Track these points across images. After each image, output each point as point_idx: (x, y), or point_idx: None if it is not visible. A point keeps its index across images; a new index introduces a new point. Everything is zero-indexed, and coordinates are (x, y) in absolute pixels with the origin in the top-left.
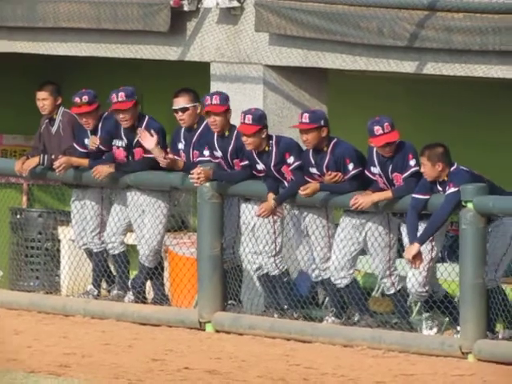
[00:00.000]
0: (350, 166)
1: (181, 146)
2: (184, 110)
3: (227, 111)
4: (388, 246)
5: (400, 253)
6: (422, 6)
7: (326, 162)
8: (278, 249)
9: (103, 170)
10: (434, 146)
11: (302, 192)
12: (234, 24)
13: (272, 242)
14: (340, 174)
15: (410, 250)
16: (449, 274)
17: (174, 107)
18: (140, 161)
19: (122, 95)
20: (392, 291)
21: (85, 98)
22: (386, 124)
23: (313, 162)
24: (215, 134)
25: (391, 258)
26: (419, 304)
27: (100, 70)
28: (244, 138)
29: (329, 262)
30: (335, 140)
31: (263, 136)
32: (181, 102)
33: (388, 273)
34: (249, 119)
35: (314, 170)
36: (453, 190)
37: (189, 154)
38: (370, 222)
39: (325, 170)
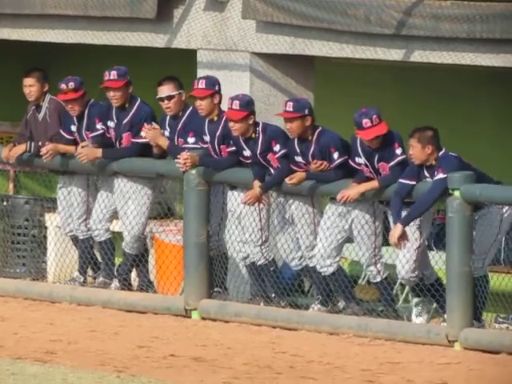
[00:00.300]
0: (335, 155)
1: (166, 133)
2: (170, 97)
3: (213, 95)
4: (374, 234)
5: (387, 240)
6: None
7: (312, 150)
8: (264, 238)
9: (89, 153)
10: (424, 129)
11: (288, 181)
12: (220, 11)
13: (258, 230)
14: (326, 162)
15: (394, 231)
16: (436, 263)
17: (159, 96)
18: (128, 147)
19: (114, 73)
20: (378, 279)
21: (71, 85)
22: (374, 116)
23: (298, 150)
24: (206, 119)
25: (377, 246)
26: (406, 291)
27: (87, 57)
28: (231, 124)
29: (314, 250)
30: (320, 129)
31: (250, 122)
32: (165, 90)
33: (374, 260)
34: (236, 105)
35: (299, 159)
36: (441, 175)
37: (173, 141)
38: (356, 209)
39: (310, 159)
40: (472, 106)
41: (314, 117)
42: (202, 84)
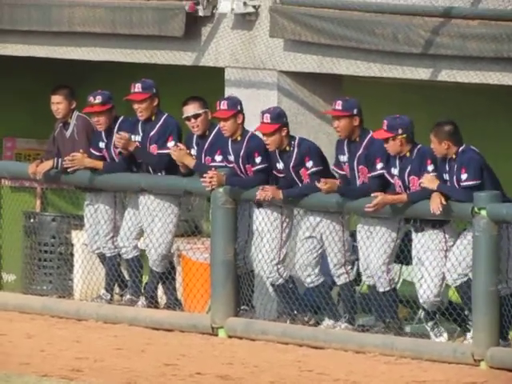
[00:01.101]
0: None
1: (193, 151)
2: (196, 116)
3: (236, 116)
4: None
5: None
6: (436, 12)
7: (360, 152)
8: (281, 256)
9: (79, 160)
10: (442, 124)
11: (322, 186)
12: (248, 29)
13: (277, 250)
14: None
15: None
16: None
17: (185, 115)
18: (156, 155)
19: (138, 86)
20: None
21: (98, 98)
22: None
23: (346, 150)
24: (229, 139)
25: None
26: (422, 312)
27: (116, 74)
28: (264, 138)
29: (342, 268)
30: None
31: (283, 134)
32: (191, 109)
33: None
34: (267, 118)
35: (344, 159)
36: (470, 183)
37: (201, 159)
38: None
39: (356, 163)
40: (501, 125)
41: (363, 118)
42: (224, 105)
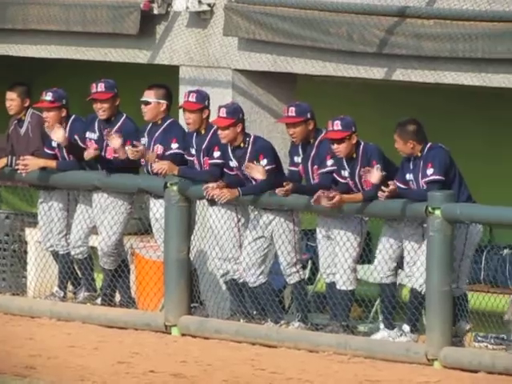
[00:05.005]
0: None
1: (143, 140)
2: (146, 103)
3: (203, 110)
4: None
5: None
6: (392, 12)
7: (313, 153)
8: (240, 255)
9: (32, 163)
10: (405, 123)
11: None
12: (203, 28)
13: (237, 247)
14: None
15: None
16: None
17: (141, 98)
18: (111, 160)
19: (101, 86)
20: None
21: (49, 95)
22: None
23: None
24: (194, 133)
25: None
26: (376, 308)
27: (71, 72)
28: (219, 132)
29: (293, 268)
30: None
31: (238, 130)
32: (146, 95)
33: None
34: (223, 112)
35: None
36: (435, 177)
37: (149, 147)
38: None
39: (310, 163)
40: (457, 124)
41: (315, 120)
42: (192, 97)
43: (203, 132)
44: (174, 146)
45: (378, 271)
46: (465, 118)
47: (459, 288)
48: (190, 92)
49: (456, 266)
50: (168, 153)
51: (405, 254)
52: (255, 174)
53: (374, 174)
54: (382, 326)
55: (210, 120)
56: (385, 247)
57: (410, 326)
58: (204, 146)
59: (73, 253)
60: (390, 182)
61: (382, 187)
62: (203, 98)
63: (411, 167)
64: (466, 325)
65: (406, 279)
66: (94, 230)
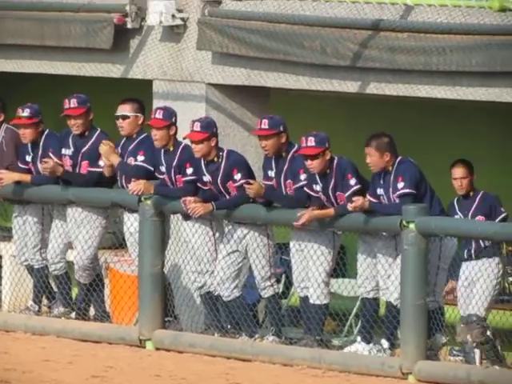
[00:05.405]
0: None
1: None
2: (124, 117)
3: (170, 126)
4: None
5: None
6: (366, 25)
7: (285, 168)
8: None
9: (7, 177)
10: (380, 136)
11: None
12: (176, 42)
13: (212, 261)
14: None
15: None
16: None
17: (116, 113)
18: (86, 175)
19: (74, 101)
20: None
21: (26, 111)
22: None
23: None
24: (162, 150)
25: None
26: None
27: (45, 86)
28: (193, 146)
29: (268, 281)
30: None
31: (212, 144)
32: (123, 109)
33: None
34: (197, 126)
35: (272, 174)
36: (406, 190)
37: (123, 159)
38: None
39: (283, 178)
40: (430, 137)
41: (288, 134)
42: (159, 114)
43: (172, 149)
44: (140, 158)
45: (359, 286)
46: (442, 131)
47: (435, 301)
48: (157, 109)
49: (431, 279)
50: (133, 163)
51: (379, 268)
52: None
53: (359, 202)
54: (358, 339)
55: (183, 134)
56: (362, 264)
57: (389, 342)
58: (175, 164)
59: (51, 269)
60: (355, 198)
61: (353, 198)
62: (170, 114)
63: (381, 182)
64: (442, 338)
65: (380, 293)
66: (69, 245)
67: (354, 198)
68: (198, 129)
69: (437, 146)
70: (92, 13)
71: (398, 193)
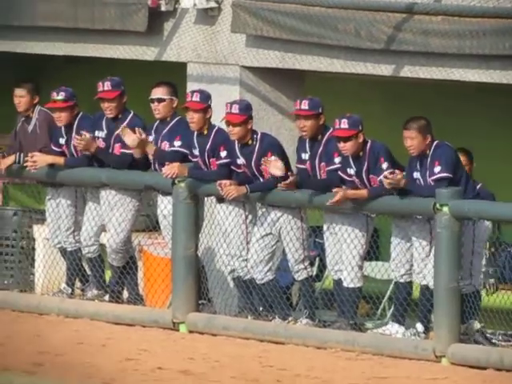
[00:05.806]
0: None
1: (150, 138)
2: (160, 100)
3: (206, 109)
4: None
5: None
6: (400, 8)
7: (320, 150)
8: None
9: (41, 160)
10: (419, 119)
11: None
12: (211, 25)
13: (244, 244)
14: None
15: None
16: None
17: (150, 97)
18: (117, 156)
19: (108, 84)
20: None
21: (61, 94)
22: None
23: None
24: (195, 132)
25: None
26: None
27: (79, 70)
28: (230, 128)
29: (301, 264)
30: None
31: (249, 127)
32: (157, 92)
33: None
34: (235, 108)
35: (306, 157)
36: (443, 174)
37: (157, 144)
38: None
39: (317, 160)
40: (463, 122)
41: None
42: (196, 97)
43: (205, 132)
44: (177, 143)
45: (392, 270)
46: (474, 117)
47: (471, 285)
48: (193, 91)
49: (467, 263)
50: (170, 149)
51: (413, 251)
52: (273, 169)
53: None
54: (391, 322)
55: (217, 117)
56: (396, 247)
57: (423, 325)
58: (208, 147)
59: (84, 251)
60: (396, 171)
61: (386, 174)
62: (206, 97)
63: (418, 166)
64: (476, 323)
65: (414, 276)
66: (103, 227)
67: (387, 175)
68: (237, 111)
69: (468, 131)
70: None
71: (434, 177)
